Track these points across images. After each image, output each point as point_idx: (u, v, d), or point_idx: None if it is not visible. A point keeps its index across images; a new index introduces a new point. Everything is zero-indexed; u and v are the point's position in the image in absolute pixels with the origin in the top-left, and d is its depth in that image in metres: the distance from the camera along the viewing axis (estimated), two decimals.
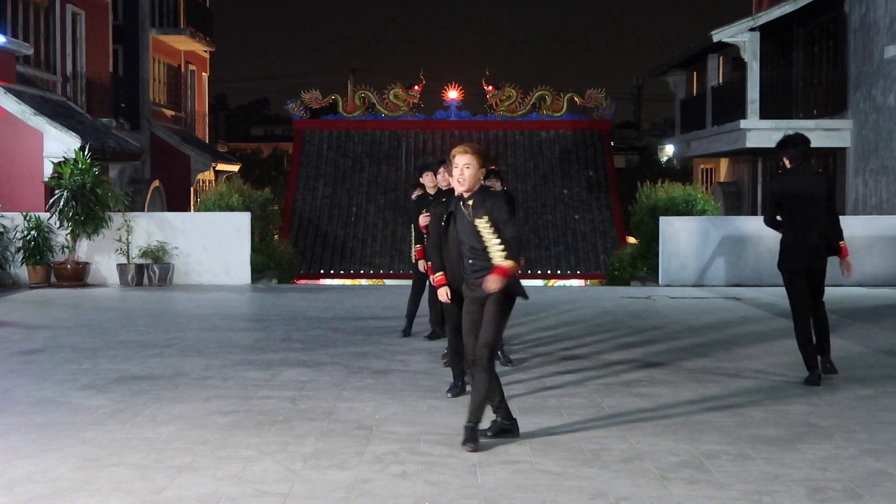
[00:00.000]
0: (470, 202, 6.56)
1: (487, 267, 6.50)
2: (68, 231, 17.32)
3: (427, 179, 10.63)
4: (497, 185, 9.88)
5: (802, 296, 8.93)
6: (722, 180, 31.76)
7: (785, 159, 9.00)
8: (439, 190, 10.04)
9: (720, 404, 7.85)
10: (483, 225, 6.50)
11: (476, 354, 6.56)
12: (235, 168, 38.13)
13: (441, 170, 9.94)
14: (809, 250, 8.82)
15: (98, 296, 16.01)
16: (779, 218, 9.01)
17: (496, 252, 6.47)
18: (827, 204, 8.86)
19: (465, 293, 6.73)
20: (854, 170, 23.05)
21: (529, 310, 13.86)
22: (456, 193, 6.68)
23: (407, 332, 11.38)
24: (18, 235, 17.36)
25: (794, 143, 8.97)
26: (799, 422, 7.28)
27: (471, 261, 6.61)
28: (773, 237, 17.36)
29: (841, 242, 9.04)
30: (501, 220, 6.48)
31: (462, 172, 6.51)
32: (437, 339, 10.79)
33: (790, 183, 8.83)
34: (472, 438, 6.42)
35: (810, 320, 8.95)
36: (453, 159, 6.56)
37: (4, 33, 21.33)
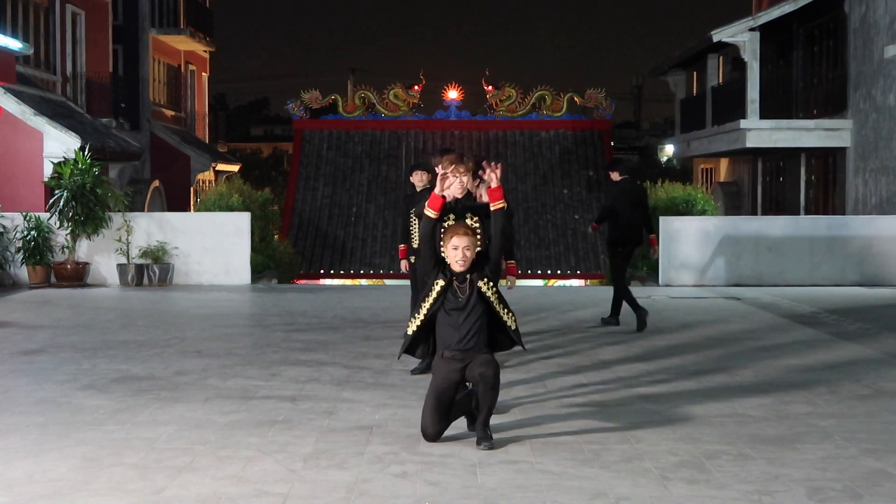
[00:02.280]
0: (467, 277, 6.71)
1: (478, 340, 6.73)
2: (68, 231, 17.32)
3: (416, 178, 10.68)
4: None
5: (623, 267, 12.49)
6: (722, 180, 31.76)
7: (615, 173, 12.43)
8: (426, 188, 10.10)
9: (720, 404, 7.85)
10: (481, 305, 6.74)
11: (482, 374, 6.56)
12: (235, 168, 38.13)
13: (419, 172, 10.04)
14: (631, 238, 12.33)
15: (98, 296, 16.01)
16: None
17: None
18: (643, 206, 12.47)
19: (444, 361, 6.75)
20: (854, 170, 23.05)
21: (529, 310, 13.87)
22: (455, 270, 6.73)
23: None
24: (18, 236, 17.36)
25: (621, 162, 12.95)
26: (799, 422, 7.28)
27: (465, 332, 6.73)
28: (772, 237, 17.53)
29: (651, 235, 12.67)
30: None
31: (464, 255, 6.66)
32: None
33: (621, 191, 12.28)
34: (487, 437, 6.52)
35: (628, 281, 12.66)
36: (451, 238, 6.69)
37: (4, 33, 21.33)
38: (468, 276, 6.70)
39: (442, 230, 7.68)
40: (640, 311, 11.95)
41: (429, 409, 6.66)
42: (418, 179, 10.49)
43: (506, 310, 6.86)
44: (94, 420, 7.27)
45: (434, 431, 6.62)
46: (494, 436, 6.61)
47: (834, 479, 5.87)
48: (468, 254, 6.65)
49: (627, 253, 12.48)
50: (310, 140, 32.05)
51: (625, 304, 12.26)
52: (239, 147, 62.86)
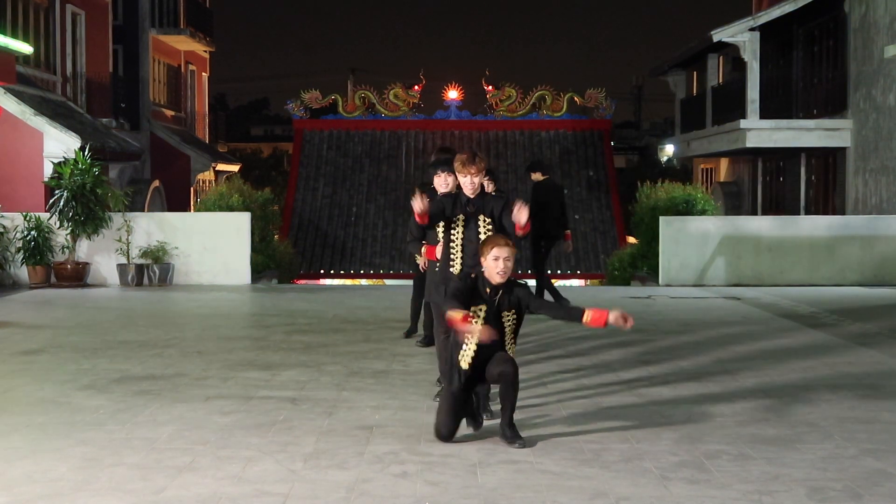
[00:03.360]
0: (500, 291, 6.73)
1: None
2: (68, 231, 17.31)
3: (440, 181, 10.33)
4: (489, 186, 9.96)
5: (546, 261, 13.96)
6: (722, 180, 31.75)
7: (537, 174, 13.79)
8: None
9: (720, 404, 7.85)
10: (510, 317, 6.78)
11: (502, 372, 6.57)
12: (235, 168, 38.11)
13: (440, 172, 9.79)
14: (554, 234, 13.72)
15: (98, 296, 16.01)
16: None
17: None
18: (562, 203, 13.81)
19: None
20: (854, 170, 23.05)
21: None
22: (494, 282, 6.71)
23: (411, 333, 11.35)
24: (18, 236, 17.36)
25: (542, 164, 14.24)
26: (799, 422, 7.28)
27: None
28: (772, 237, 17.52)
29: (567, 231, 14.05)
30: (530, 306, 6.84)
31: (505, 266, 6.66)
32: (431, 346, 10.71)
33: (545, 190, 13.62)
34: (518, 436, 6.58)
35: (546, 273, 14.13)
36: (491, 249, 6.66)
37: (4, 33, 21.32)
38: (500, 291, 6.69)
39: (455, 226, 7.60)
40: (562, 301, 13.05)
41: (444, 410, 6.66)
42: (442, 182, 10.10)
43: (513, 342, 6.89)
44: (94, 420, 7.27)
45: (448, 431, 6.62)
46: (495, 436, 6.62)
47: (834, 479, 5.87)
48: (509, 265, 6.66)
49: (549, 247, 13.92)
50: (310, 140, 32.05)
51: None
52: (239, 147, 62.84)
